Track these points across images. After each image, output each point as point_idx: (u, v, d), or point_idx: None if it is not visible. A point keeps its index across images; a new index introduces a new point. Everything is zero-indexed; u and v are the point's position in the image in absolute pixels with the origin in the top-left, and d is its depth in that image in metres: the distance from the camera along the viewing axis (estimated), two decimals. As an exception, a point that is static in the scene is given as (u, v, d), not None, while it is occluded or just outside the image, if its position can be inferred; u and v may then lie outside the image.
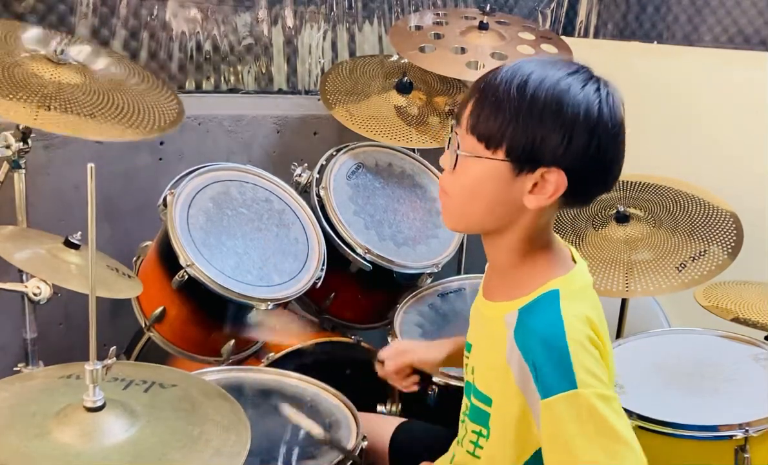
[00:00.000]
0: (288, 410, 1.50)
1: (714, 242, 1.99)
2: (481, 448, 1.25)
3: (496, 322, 1.19)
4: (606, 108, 1.11)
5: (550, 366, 1.08)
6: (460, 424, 1.35)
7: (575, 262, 1.24)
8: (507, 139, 1.10)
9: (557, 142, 1.08)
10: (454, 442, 1.40)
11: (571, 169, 1.10)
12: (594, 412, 1.06)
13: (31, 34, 1.94)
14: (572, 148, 1.09)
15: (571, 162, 1.10)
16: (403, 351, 1.59)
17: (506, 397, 1.17)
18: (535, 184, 1.12)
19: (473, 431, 1.27)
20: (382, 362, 1.59)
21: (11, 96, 1.64)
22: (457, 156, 1.16)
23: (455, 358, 1.51)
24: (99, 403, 1.14)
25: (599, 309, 1.21)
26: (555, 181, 1.10)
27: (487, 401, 1.22)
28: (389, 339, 2.01)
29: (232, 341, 1.89)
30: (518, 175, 1.12)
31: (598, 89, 1.12)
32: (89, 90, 1.80)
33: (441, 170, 1.22)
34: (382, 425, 1.69)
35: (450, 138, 1.18)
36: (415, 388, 1.61)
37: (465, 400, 1.32)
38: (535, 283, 1.17)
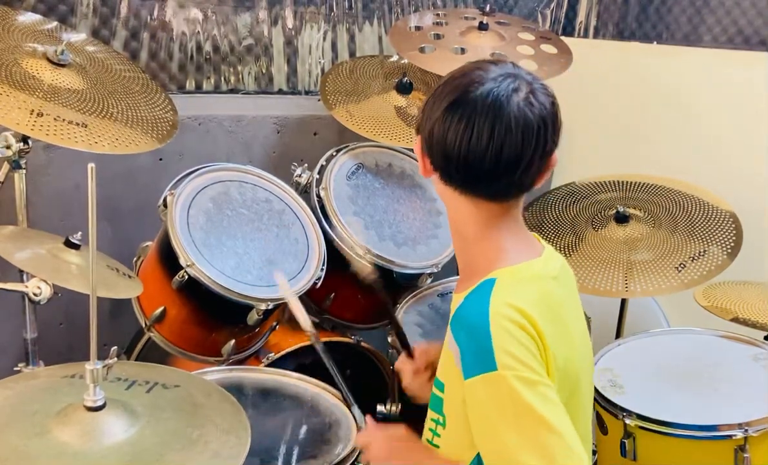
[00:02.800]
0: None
1: (713, 242, 1.99)
2: (439, 436, 1.26)
3: (453, 312, 1.22)
4: (468, 89, 1.15)
5: (471, 348, 1.12)
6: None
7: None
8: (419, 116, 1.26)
9: (421, 110, 1.21)
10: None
11: (422, 137, 1.21)
12: (514, 393, 1.07)
13: (29, 22, 1.95)
14: (424, 114, 1.20)
15: (421, 129, 1.21)
16: (427, 348, 1.52)
17: (452, 382, 1.19)
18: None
19: (432, 419, 1.28)
20: (410, 355, 1.50)
21: (7, 96, 1.65)
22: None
23: None
24: (99, 403, 1.14)
25: (553, 301, 1.20)
26: (417, 147, 1.23)
27: (441, 387, 1.24)
28: (389, 339, 2.01)
29: (233, 341, 1.89)
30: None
31: (487, 75, 1.16)
32: (85, 96, 1.79)
33: None
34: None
35: None
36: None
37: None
38: (481, 274, 1.21)
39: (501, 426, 1.09)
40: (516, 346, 1.09)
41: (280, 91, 2.68)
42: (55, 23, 2.06)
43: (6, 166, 1.78)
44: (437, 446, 1.27)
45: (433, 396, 1.27)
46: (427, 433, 1.29)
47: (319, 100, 2.48)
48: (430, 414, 1.29)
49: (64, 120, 1.68)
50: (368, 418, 1.44)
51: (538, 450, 1.06)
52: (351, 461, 1.50)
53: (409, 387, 1.49)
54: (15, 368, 1.80)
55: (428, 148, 1.20)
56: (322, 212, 2.06)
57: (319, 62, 2.71)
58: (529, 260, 1.22)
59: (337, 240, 2.03)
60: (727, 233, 2.01)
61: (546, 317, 1.14)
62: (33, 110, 1.66)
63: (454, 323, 1.18)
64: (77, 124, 1.70)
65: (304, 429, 1.60)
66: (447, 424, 1.23)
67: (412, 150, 2.32)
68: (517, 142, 1.14)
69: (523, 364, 1.08)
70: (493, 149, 1.13)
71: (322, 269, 1.95)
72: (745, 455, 1.54)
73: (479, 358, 1.10)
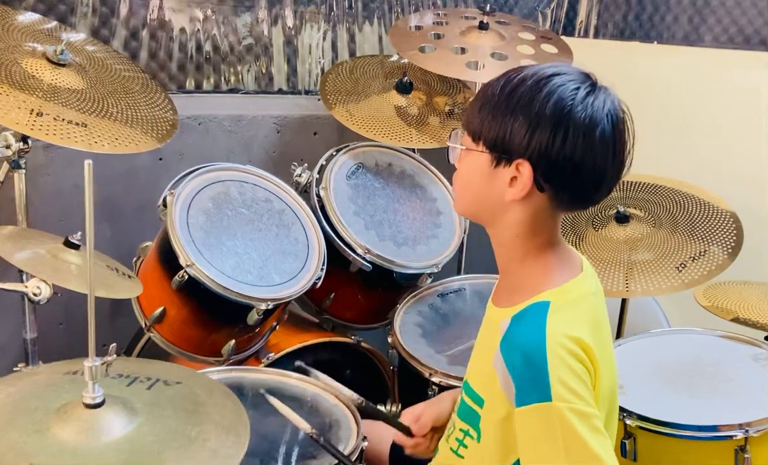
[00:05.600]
0: (276, 403, 1.42)
1: (714, 242, 1.99)
2: (466, 447, 1.25)
3: (494, 327, 1.20)
4: (580, 107, 1.12)
5: (527, 376, 1.10)
6: (450, 420, 1.35)
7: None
8: (485, 131, 1.17)
9: (522, 134, 1.13)
10: (443, 439, 1.39)
11: (537, 163, 1.13)
12: (567, 426, 1.06)
13: (28, 21, 1.95)
14: (535, 139, 1.12)
15: (537, 155, 1.13)
16: (419, 414, 1.50)
17: (494, 400, 1.18)
18: (514, 178, 1.16)
19: (461, 429, 1.27)
20: (409, 435, 1.47)
21: (7, 95, 1.64)
22: (448, 148, 1.26)
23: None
24: (98, 400, 1.14)
25: (598, 319, 1.20)
26: (525, 173, 1.14)
27: (479, 402, 1.23)
28: (389, 339, 2.01)
29: (233, 341, 1.89)
30: (497, 167, 1.17)
31: (577, 89, 1.13)
32: (85, 96, 1.79)
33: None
34: (383, 431, 1.68)
35: (451, 133, 1.26)
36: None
37: (460, 398, 1.32)
38: (530, 291, 1.19)
39: (551, 456, 1.08)
40: (572, 378, 1.08)
41: (280, 91, 2.68)
42: (54, 23, 2.07)
43: (6, 166, 1.78)
44: (462, 457, 1.26)
45: (467, 407, 1.26)
46: (452, 442, 1.28)
47: (319, 100, 2.48)
48: (459, 424, 1.27)
49: (63, 120, 1.68)
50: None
51: None
52: (351, 462, 1.50)
53: (413, 454, 1.48)
54: (15, 368, 1.79)
55: (542, 169, 1.14)
56: (322, 212, 2.06)
57: (319, 62, 2.71)
58: (575, 278, 1.21)
59: (337, 240, 2.03)
60: (727, 233, 2.01)
61: (596, 339, 1.14)
62: (33, 110, 1.66)
63: (506, 345, 1.15)
64: (77, 124, 1.70)
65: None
66: (482, 440, 1.23)
67: (413, 150, 2.34)
68: (626, 139, 1.18)
69: (578, 396, 1.08)
70: (619, 153, 1.16)
71: (322, 269, 1.95)
72: (746, 455, 1.53)
73: (534, 387, 1.08)
